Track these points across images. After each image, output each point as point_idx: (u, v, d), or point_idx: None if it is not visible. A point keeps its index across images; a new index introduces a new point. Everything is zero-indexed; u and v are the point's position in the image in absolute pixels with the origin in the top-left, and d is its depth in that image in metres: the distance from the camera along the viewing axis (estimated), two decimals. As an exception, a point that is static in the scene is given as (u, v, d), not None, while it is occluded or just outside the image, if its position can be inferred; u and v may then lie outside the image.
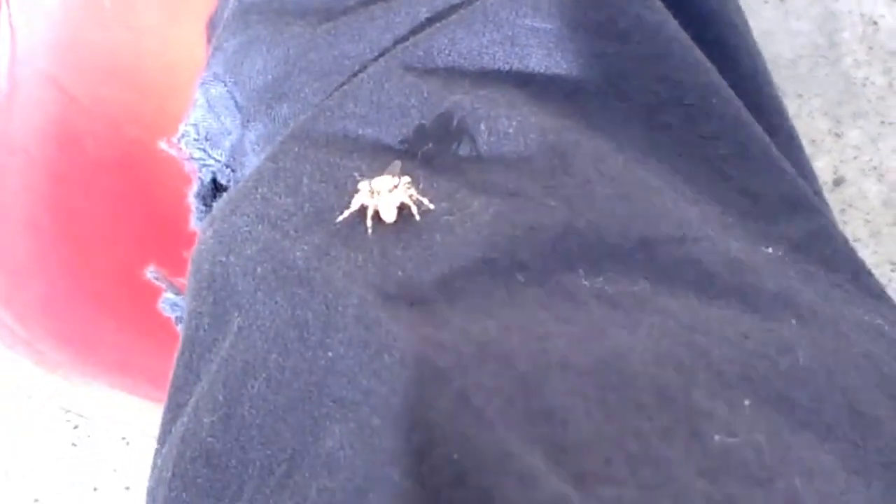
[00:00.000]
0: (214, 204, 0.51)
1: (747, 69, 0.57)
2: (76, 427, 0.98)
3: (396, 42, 0.52)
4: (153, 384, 0.79)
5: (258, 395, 0.40)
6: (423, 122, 0.48)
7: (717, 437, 0.34)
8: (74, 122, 0.77)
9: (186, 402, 0.44)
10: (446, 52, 0.50)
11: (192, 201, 0.58)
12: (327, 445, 0.36)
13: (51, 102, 0.77)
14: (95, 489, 0.97)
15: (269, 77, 0.54)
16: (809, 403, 0.37)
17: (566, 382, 0.35)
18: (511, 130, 0.47)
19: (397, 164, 0.45)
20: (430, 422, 0.33)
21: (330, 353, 0.38)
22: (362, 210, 0.43)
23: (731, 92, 0.51)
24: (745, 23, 0.62)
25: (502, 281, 0.40)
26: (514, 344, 0.36)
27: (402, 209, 0.43)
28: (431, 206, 0.43)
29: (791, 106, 0.99)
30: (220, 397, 0.42)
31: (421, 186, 0.44)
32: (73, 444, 0.98)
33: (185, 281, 0.50)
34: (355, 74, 0.51)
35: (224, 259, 0.45)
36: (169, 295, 0.57)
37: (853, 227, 0.98)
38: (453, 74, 0.50)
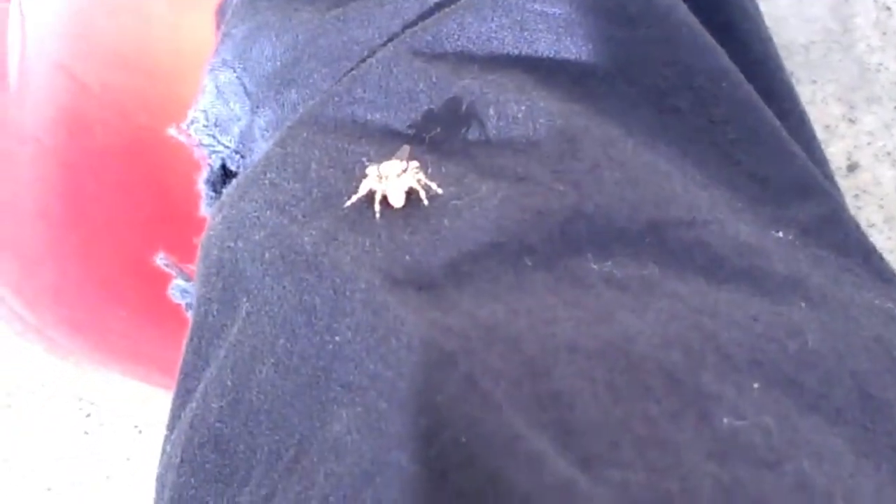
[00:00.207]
0: (224, 190, 0.51)
1: (758, 53, 0.57)
2: (88, 416, 0.99)
3: (405, 27, 0.52)
4: (164, 372, 0.80)
5: (266, 380, 0.40)
6: (432, 106, 0.48)
7: (725, 420, 0.34)
8: (85, 109, 0.77)
9: (195, 388, 0.44)
10: (455, 37, 0.50)
11: (202, 188, 0.59)
12: (335, 430, 0.36)
13: (62, 91, 0.77)
14: (108, 478, 0.97)
15: (278, 63, 0.54)
16: (818, 387, 0.37)
17: (574, 366, 0.35)
18: (520, 115, 0.46)
19: (406, 148, 0.45)
20: (437, 405, 0.33)
21: (337, 338, 0.38)
22: (370, 195, 0.43)
23: (741, 76, 0.50)
24: (756, 7, 0.62)
25: (510, 265, 0.40)
26: (522, 327, 0.36)
27: (411, 194, 0.43)
28: (440, 191, 0.43)
29: (805, 92, 0.98)
30: (229, 382, 0.42)
31: (429, 171, 0.44)
32: (86, 433, 0.98)
33: (194, 267, 0.50)
34: (364, 60, 0.51)
35: (232, 245, 0.45)
36: (179, 281, 0.57)
37: (867, 213, 0.98)
38: (462, 59, 0.50)
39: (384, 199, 0.43)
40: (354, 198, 0.43)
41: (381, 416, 0.35)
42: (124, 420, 0.98)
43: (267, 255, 0.43)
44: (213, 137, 0.58)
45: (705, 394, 0.35)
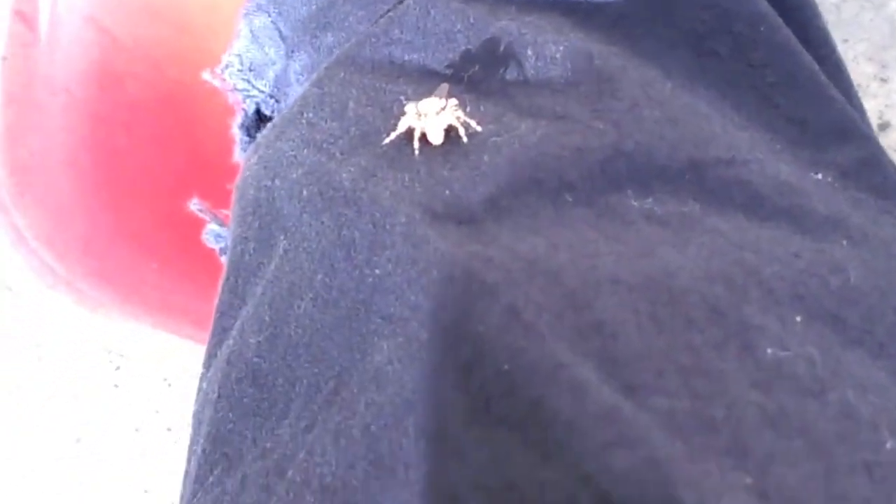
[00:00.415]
0: (258, 135, 0.51)
1: (794, 0, 0.57)
2: (118, 368, 0.99)
3: None
4: (194, 324, 0.80)
5: (305, 314, 0.40)
6: (470, 47, 0.48)
7: (769, 351, 0.34)
8: (115, 62, 0.77)
9: (231, 327, 0.44)
10: None
11: (236, 132, 0.59)
12: (375, 361, 0.36)
13: (92, 43, 0.77)
14: (137, 430, 0.98)
15: (314, 6, 0.54)
16: (861, 322, 0.37)
17: (616, 297, 0.35)
18: (558, 55, 0.46)
19: (445, 86, 0.45)
20: (479, 335, 0.33)
21: (377, 271, 0.38)
22: (409, 132, 0.43)
23: (779, 20, 0.50)
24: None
25: (550, 201, 0.40)
26: (563, 261, 0.36)
27: (450, 131, 0.43)
28: (479, 128, 0.43)
29: (835, 51, 0.98)
30: (267, 318, 0.42)
31: (468, 109, 0.44)
32: (116, 386, 0.99)
33: (228, 213, 0.50)
34: (400, 2, 0.51)
35: (269, 184, 0.45)
36: (213, 226, 0.58)
37: (898, 172, 0.97)
38: (499, 1, 0.49)
39: (423, 136, 0.43)
40: (393, 135, 0.43)
41: (422, 346, 0.35)
42: (153, 373, 0.98)
43: (305, 192, 0.43)
44: (248, 82, 0.58)
45: (748, 325, 0.35)
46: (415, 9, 0.49)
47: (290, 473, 0.37)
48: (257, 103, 0.58)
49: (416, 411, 0.34)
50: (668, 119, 0.43)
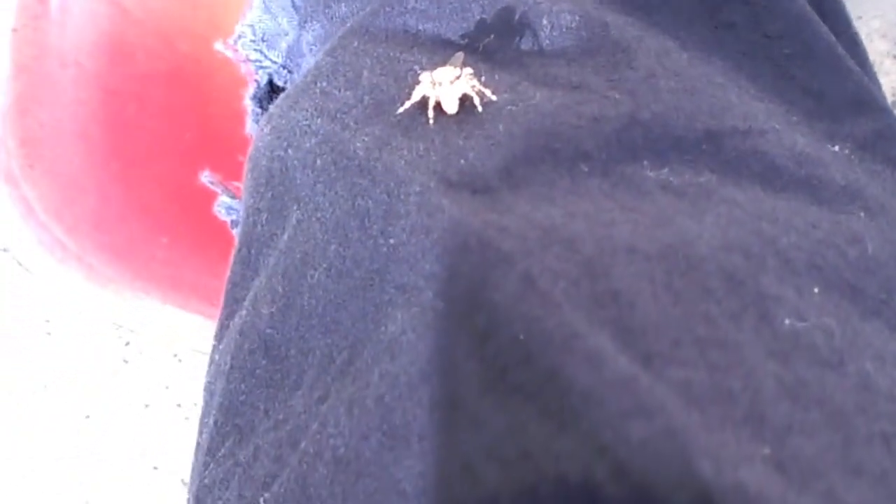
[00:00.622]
0: (271, 106, 0.51)
1: (809, -28, 0.56)
2: (128, 344, 0.99)
3: None
4: (204, 299, 0.80)
5: (318, 284, 0.40)
6: (485, 16, 0.47)
7: (787, 321, 0.34)
8: (126, 35, 0.77)
9: (244, 298, 0.44)
10: None
11: (248, 104, 0.58)
12: (390, 331, 0.36)
13: (103, 15, 0.76)
14: (147, 406, 0.98)
15: None
16: (879, 293, 0.37)
17: (633, 266, 0.35)
18: (573, 25, 0.46)
19: (460, 55, 0.45)
20: (494, 304, 0.33)
21: (392, 241, 0.38)
22: (423, 101, 0.43)
23: None
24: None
25: (566, 170, 0.40)
26: (579, 229, 0.36)
27: (464, 100, 0.42)
28: (494, 97, 0.43)
29: (849, 28, 0.97)
30: (280, 289, 0.42)
31: (483, 79, 0.43)
32: (125, 361, 0.99)
33: (239, 185, 0.50)
34: (415, -29, 0.51)
35: (282, 153, 0.44)
36: (224, 198, 0.57)
37: (911, 151, 0.97)
38: None
39: (437, 105, 0.42)
40: (408, 104, 0.43)
41: (437, 315, 0.35)
42: (163, 348, 0.98)
43: (318, 161, 0.42)
44: (261, 52, 0.57)
45: (766, 295, 0.34)
46: None
47: (302, 445, 0.37)
48: (270, 74, 0.58)
49: (430, 381, 0.33)
50: (684, 89, 0.43)
